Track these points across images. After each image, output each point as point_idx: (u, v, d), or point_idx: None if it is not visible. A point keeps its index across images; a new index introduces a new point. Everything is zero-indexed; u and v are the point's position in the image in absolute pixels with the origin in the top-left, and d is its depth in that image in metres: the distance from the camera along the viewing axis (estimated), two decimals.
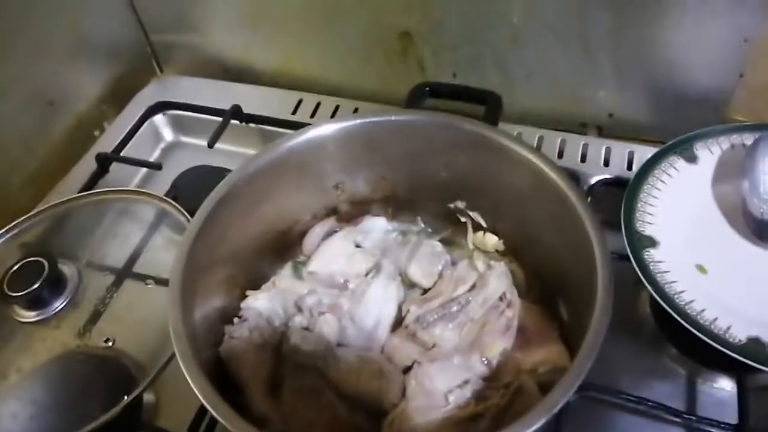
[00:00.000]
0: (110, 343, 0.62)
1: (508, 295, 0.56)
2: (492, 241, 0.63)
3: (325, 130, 0.58)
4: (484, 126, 0.57)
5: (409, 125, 0.59)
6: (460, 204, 0.64)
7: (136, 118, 0.90)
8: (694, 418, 0.57)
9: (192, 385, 0.44)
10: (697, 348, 0.62)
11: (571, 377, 0.42)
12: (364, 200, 0.66)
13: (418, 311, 0.54)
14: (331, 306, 0.55)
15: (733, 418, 0.56)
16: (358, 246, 0.64)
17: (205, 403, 0.42)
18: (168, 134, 0.93)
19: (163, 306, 0.67)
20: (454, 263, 0.61)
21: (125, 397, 0.57)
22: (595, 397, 0.58)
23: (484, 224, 0.64)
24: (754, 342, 0.56)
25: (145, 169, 0.88)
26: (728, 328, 0.57)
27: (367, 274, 0.61)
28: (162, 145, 0.93)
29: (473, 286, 0.55)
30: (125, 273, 0.70)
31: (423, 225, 0.68)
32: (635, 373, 0.62)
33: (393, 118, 0.58)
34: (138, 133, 0.89)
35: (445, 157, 0.60)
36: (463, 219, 0.65)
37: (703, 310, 0.58)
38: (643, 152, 0.77)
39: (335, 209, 0.66)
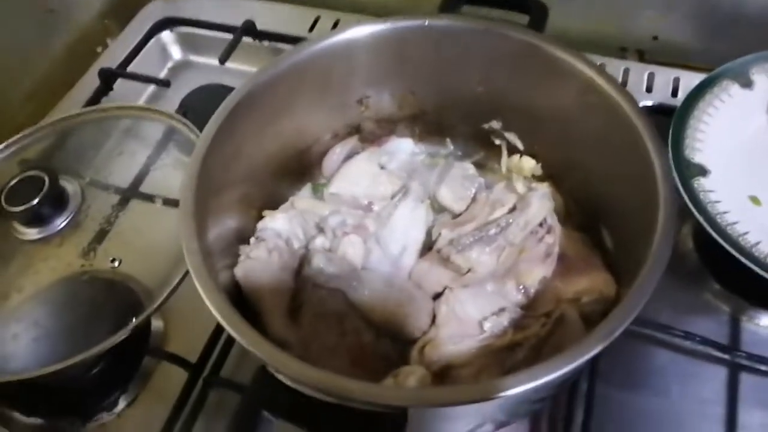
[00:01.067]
0: (116, 264, 0.58)
1: (548, 221, 0.51)
2: (529, 164, 0.59)
3: (352, 34, 0.53)
4: (529, 32, 0.51)
5: (445, 31, 0.53)
6: (495, 124, 0.59)
7: (142, 34, 0.84)
8: (743, 354, 0.54)
9: (207, 302, 0.40)
10: (744, 283, 0.58)
11: (631, 302, 0.37)
12: (389, 118, 0.61)
13: (451, 234, 0.50)
14: (356, 227, 0.51)
15: None
16: (382, 168, 0.59)
17: (221, 320, 0.38)
18: (176, 52, 0.87)
19: (171, 228, 0.63)
20: (488, 187, 0.56)
21: (133, 320, 0.53)
22: (637, 331, 0.55)
23: (520, 146, 0.59)
24: None
25: (151, 88, 0.83)
26: None
27: (393, 197, 0.56)
28: (170, 64, 0.87)
29: (512, 209, 0.50)
30: (131, 192, 0.65)
31: (452, 147, 0.63)
32: (676, 308, 0.59)
33: (427, 23, 0.52)
34: (144, 50, 0.84)
35: (483, 70, 0.55)
36: (497, 141, 0.60)
37: (758, 243, 0.54)
38: (690, 78, 0.72)
39: (358, 128, 0.61)
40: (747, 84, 0.64)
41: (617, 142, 0.48)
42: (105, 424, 0.57)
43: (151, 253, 0.60)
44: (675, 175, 0.57)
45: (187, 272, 0.53)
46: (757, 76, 0.65)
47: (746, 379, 0.55)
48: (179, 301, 0.56)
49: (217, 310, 0.38)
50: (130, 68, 0.81)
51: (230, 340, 0.57)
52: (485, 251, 0.47)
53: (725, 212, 0.56)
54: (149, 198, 0.65)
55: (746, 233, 0.54)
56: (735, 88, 0.64)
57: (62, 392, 0.59)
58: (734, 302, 0.60)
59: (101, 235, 0.60)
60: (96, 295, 0.59)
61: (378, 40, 0.53)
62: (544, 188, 0.51)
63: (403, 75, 0.57)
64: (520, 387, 0.34)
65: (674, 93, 0.72)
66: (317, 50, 0.52)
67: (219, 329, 0.57)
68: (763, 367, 0.54)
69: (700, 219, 0.55)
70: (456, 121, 0.61)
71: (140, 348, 0.61)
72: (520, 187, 0.52)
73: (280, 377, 0.36)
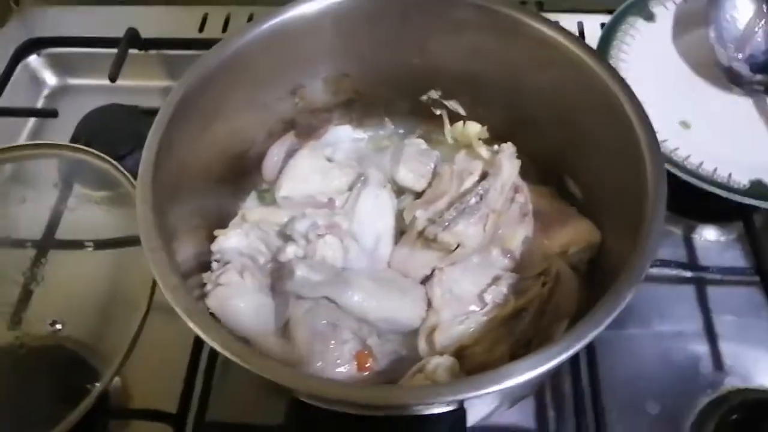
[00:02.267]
0: (58, 326, 0.50)
1: (514, 180, 0.50)
2: (474, 129, 0.58)
3: (280, 18, 0.48)
4: None
5: (382, 3, 0.50)
6: (434, 94, 0.57)
7: (4, 65, 0.73)
8: (700, 267, 0.57)
9: (208, 340, 0.35)
10: (689, 203, 0.61)
11: (639, 262, 0.37)
12: (324, 107, 0.58)
13: (427, 214, 0.48)
14: (328, 226, 0.47)
15: (739, 262, 0.56)
16: (329, 160, 0.55)
17: (234, 358, 0.33)
18: (50, 78, 0.78)
19: (103, 272, 0.57)
20: (448, 160, 0.54)
21: (96, 385, 0.46)
22: None
23: (462, 112, 0.58)
24: (757, 184, 0.55)
25: (31, 123, 0.73)
26: (729, 176, 0.56)
27: (351, 188, 0.53)
28: (45, 92, 0.77)
29: (483, 175, 0.49)
30: (47, 242, 0.57)
31: (393, 126, 0.61)
32: None
33: None
34: (11, 81, 0.73)
35: (421, 41, 0.53)
36: (437, 111, 0.59)
37: (701, 163, 0.57)
38: (593, 21, 0.74)
39: (293, 122, 0.57)
40: (649, 17, 0.67)
41: (579, 93, 0.48)
42: None
43: (89, 308, 0.53)
44: None
45: (143, 321, 0.48)
46: (656, 9, 0.68)
47: (713, 291, 0.58)
48: (134, 357, 0.50)
49: (225, 348, 0.34)
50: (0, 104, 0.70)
51: (208, 382, 0.51)
52: (471, 222, 0.45)
53: (664, 140, 0.58)
54: (70, 245, 0.57)
55: (689, 156, 0.58)
56: (640, 22, 0.67)
57: None
58: (684, 223, 0.62)
59: (26, 298, 0.52)
60: (37, 366, 0.51)
61: (312, 22, 0.49)
62: (510, 147, 0.50)
63: (337, 56, 0.53)
64: (558, 358, 0.32)
65: (582, 37, 0.74)
66: (246, 42, 0.48)
67: (192, 367, 0.51)
68: (720, 276, 0.57)
69: None
70: (393, 97, 0.58)
71: (101, 415, 0.53)
72: (483, 152, 0.51)
73: (316, 403, 0.32)
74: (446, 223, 0.45)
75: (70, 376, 0.50)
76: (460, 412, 0.32)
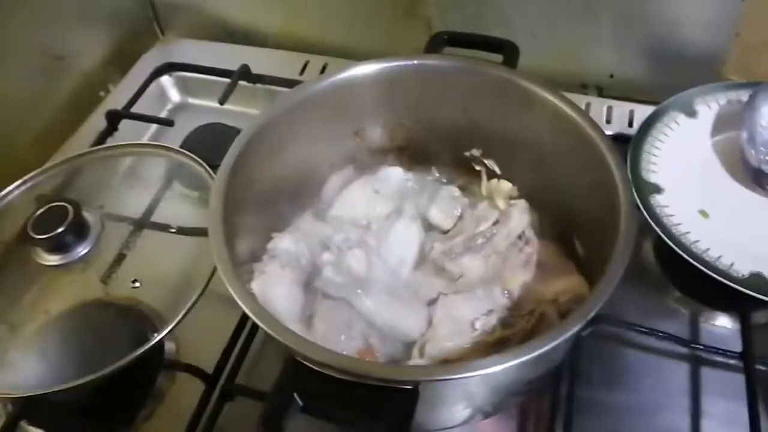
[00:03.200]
0: (137, 284, 0.63)
1: (526, 233, 0.58)
2: (506, 187, 0.66)
3: (352, 72, 0.60)
4: (504, 69, 0.59)
5: (430, 69, 0.61)
6: (476, 151, 0.66)
7: (143, 79, 0.91)
8: (701, 346, 0.61)
9: (237, 299, 0.45)
10: (701, 288, 0.66)
11: (594, 299, 0.44)
12: (381, 149, 0.68)
13: (443, 247, 0.57)
14: (358, 242, 0.57)
15: (734, 347, 0.60)
16: (377, 192, 0.66)
17: (252, 315, 0.44)
18: (175, 95, 0.94)
19: (181, 254, 0.69)
20: (471, 207, 0.63)
21: (155, 336, 0.58)
22: (607, 330, 0.61)
23: (498, 171, 0.66)
24: (756, 276, 0.59)
25: (153, 129, 0.88)
26: (732, 264, 0.60)
27: (388, 218, 0.63)
28: (169, 106, 0.94)
29: (496, 222, 0.57)
30: (144, 222, 0.70)
31: (437, 174, 0.70)
32: (642, 313, 0.65)
33: (416, 62, 0.60)
34: (145, 94, 0.90)
35: (464, 103, 0.62)
36: (477, 167, 0.68)
37: (707, 249, 0.62)
38: (643, 111, 0.80)
39: (353, 158, 0.68)
40: (691, 114, 0.74)
41: (583, 163, 0.55)
42: None
43: (165, 279, 0.65)
44: (634, 192, 0.65)
45: (202, 292, 0.60)
46: (700, 107, 0.74)
47: (706, 372, 0.62)
48: (190, 327, 0.61)
49: (253, 312, 0.44)
50: (134, 109, 0.87)
51: (244, 350, 0.61)
52: (475, 258, 0.54)
53: (678, 224, 0.64)
54: (161, 227, 0.70)
55: (697, 241, 0.62)
56: (681, 118, 0.73)
57: (84, 409, 0.63)
58: (693, 306, 0.67)
59: (119, 261, 0.65)
60: (114, 318, 0.63)
61: (373, 78, 0.60)
62: (522, 203, 0.58)
63: (393, 109, 0.64)
64: (514, 360, 0.40)
65: (630, 124, 0.81)
66: (321, 87, 0.60)
67: (233, 341, 0.62)
68: (719, 359, 0.61)
69: (657, 230, 0.62)
70: (440, 149, 0.68)
71: (155, 366, 0.65)
72: (501, 203, 0.60)
73: (310, 364, 0.41)
74: (453, 255, 0.54)
75: (138, 328, 0.61)
76: (414, 393, 0.40)
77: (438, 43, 0.66)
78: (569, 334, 0.41)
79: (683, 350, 0.62)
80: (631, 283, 0.69)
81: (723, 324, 0.65)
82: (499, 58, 0.64)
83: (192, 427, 0.58)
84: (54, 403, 0.61)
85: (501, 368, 0.40)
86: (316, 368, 0.41)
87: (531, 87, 0.57)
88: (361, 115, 0.64)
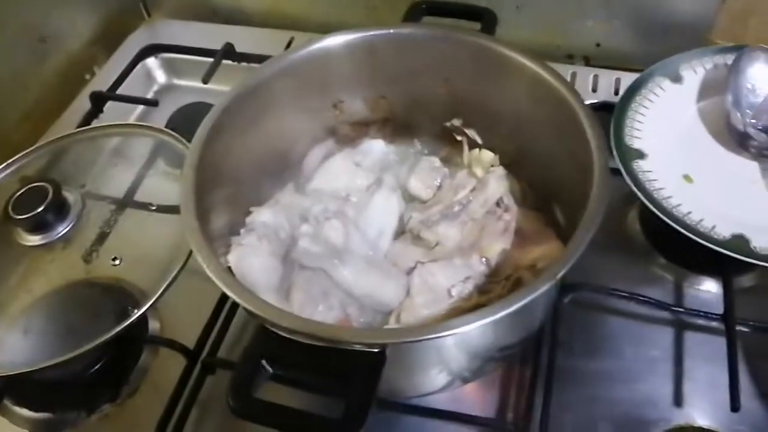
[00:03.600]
0: (117, 262, 0.63)
1: (505, 200, 0.58)
2: (488, 156, 0.65)
3: (328, 42, 0.59)
4: (482, 36, 0.58)
5: (409, 39, 0.60)
6: (457, 122, 0.66)
7: (128, 61, 0.90)
8: (682, 309, 0.61)
9: (207, 270, 0.45)
10: (685, 254, 0.66)
11: (562, 261, 0.43)
12: (362, 121, 0.68)
13: (421, 216, 0.56)
14: (336, 213, 0.57)
15: (716, 310, 0.60)
16: (357, 165, 0.65)
17: (220, 284, 0.44)
18: (161, 77, 0.94)
19: (164, 232, 0.69)
20: (452, 177, 0.63)
21: (135, 312, 0.58)
22: (588, 297, 0.61)
23: (479, 141, 0.66)
24: (738, 238, 0.59)
25: (139, 110, 0.89)
26: (713, 227, 0.60)
27: (368, 189, 0.62)
28: (155, 88, 0.94)
29: (473, 190, 0.57)
30: (127, 201, 0.70)
31: (420, 146, 0.69)
32: (626, 280, 0.65)
33: (392, 31, 0.59)
34: (131, 75, 0.89)
35: (444, 72, 0.62)
36: (459, 137, 0.67)
37: (689, 213, 0.61)
38: (630, 78, 0.78)
39: (334, 130, 0.68)
40: (677, 79, 0.73)
41: (562, 129, 0.54)
42: (108, 414, 0.61)
43: (147, 256, 0.65)
44: (617, 158, 0.65)
45: (182, 267, 0.60)
46: (686, 72, 0.73)
47: (689, 337, 0.62)
48: (173, 304, 0.63)
49: (217, 277, 0.44)
50: (119, 91, 0.87)
51: (225, 325, 0.62)
52: (451, 225, 0.53)
53: (661, 188, 0.63)
54: (143, 206, 0.70)
55: (679, 205, 0.62)
56: (667, 83, 0.72)
57: (68, 386, 0.63)
58: (678, 272, 0.67)
59: (101, 239, 0.66)
60: (97, 295, 0.64)
61: (350, 49, 0.60)
62: (500, 170, 0.58)
63: (374, 81, 0.64)
64: (477, 322, 0.40)
65: (616, 92, 0.80)
66: (296, 59, 0.59)
67: (214, 316, 0.62)
68: (701, 322, 0.60)
69: (639, 195, 0.62)
70: (422, 121, 0.67)
71: (139, 341, 0.65)
72: (479, 171, 0.59)
73: (277, 330, 0.41)
74: (429, 224, 0.54)
75: (121, 305, 0.61)
76: (380, 355, 0.40)
77: (417, 12, 0.65)
78: (535, 294, 0.41)
79: (665, 315, 0.62)
80: (616, 251, 0.70)
81: (707, 288, 0.65)
82: (477, 26, 0.63)
83: (174, 401, 0.58)
84: (38, 382, 0.62)
85: (465, 330, 0.40)
86: (283, 334, 0.41)
87: (509, 53, 0.57)
88: (339, 86, 0.63)
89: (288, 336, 0.41)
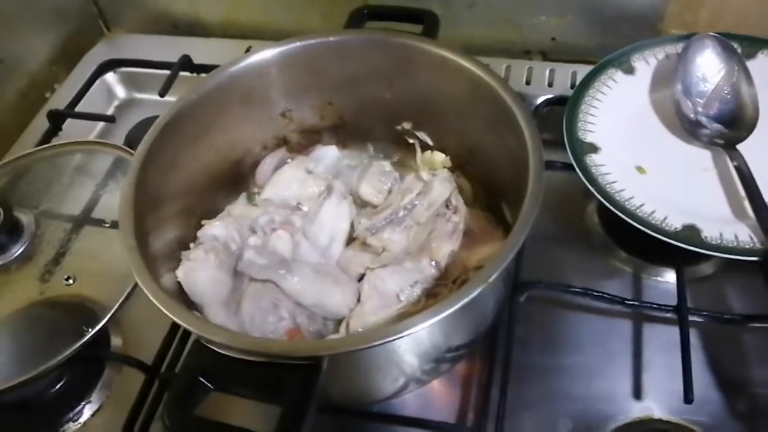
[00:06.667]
0: (71, 282, 0.63)
1: (454, 202, 0.58)
2: (439, 158, 0.65)
3: (265, 54, 0.59)
4: (419, 38, 0.58)
5: (347, 45, 0.60)
6: (407, 125, 0.66)
7: (87, 77, 0.90)
8: (636, 303, 0.61)
9: (144, 288, 0.45)
10: (643, 246, 0.65)
11: (494, 263, 0.43)
12: (313, 129, 0.68)
13: (369, 222, 0.56)
14: (282, 223, 0.57)
15: (673, 302, 0.59)
16: (309, 173, 0.65)
17: (156, 302, 0.44)
18: (120, 92, 0.94)
19: (117, 248, 0.69)
20: (402, 180, 0.63)
21: (90, 330, 0.58)
22: (544, 294, 0.61)
23: (430, 142, 0.66)
24: (689, 228, 0.59)
25: (98, 126, 0.88)
26: (665, 219, 0.60)
27: (319, 196, 0.62)
28: (116, 103, 0.93)
29: (419, 193, 0.57)
30: (83, 219, 0.70)
31: (373, 151, 0.69)
32: (586, 274, 0.66)
33: (331, 38, 0.59)
34: (90, 92, 0.89)
35: (387, 77, 0.62)
36: (411, 140, 0.67)
37: (642, 205, 0.61)
38: (585, 71, 0.79)
39: (285, 139, 0.68)
40: (629, 70, 0.72)
41: (502, 129, 0.54)
42: None
43: (104, 272, 0.65)
44: (570, 153, 0.65)
45: (133, 288, 0.60)
46: (637, 63, 0.73)
47: (647, 329, 0.62)
48: (135, 320, 0.65)
49: (153, 295, 0.44)
50: (78, 108, 0.86)
51: (184, 340, 0.62)
52: (396, 231, 0.53)
53: (614, 182, 0.63)
54: (100, 222, 0.70)
55: (632, 198, 0.61)
56: (619, 75, 0.72)
57: (31, 407, 0.63)
58: (636, 264, 0.67)
59: (57, 259, 0.65)
60: (55, 315, 0.63)
61: (288, 59, 0.60)
62: (444, 173, 0.58)
63: (318, 88, 0.63)
64: (408, 330, 0.40)
65: (573, 86, 0.80)
66: (236, 71, 0.59)
67: (172, 332, 0.62)
68: (656, 314, 0.60)
69: (591, 188, 0.62)
70: (373, 125, 0.67)
71: (101, 359, 0.65)
72: (425, 175, 0.59)
73: (212, 346, 0.41)
74: (374, 230, 0.54)
75: (80, 323, 0.61)
76: (316, 368, 0.40)
77: (359, 17, 0.65)
78: (468, 299, 0.40)
79: (622, 309, 0.62)
80: (575, 245, 0.70)
81: (667, 279, 0.65)
82: (420, 29, 0.63)
83: (133, 417, 0.58)
84: (1, 404, 0.62)
85: (400, 337, 0.39)
86: (218, 350, 0.41)
87: (445, 54, 0.56)
88: (284, 96, 0.63)
89: (222, 351, 0.41)
